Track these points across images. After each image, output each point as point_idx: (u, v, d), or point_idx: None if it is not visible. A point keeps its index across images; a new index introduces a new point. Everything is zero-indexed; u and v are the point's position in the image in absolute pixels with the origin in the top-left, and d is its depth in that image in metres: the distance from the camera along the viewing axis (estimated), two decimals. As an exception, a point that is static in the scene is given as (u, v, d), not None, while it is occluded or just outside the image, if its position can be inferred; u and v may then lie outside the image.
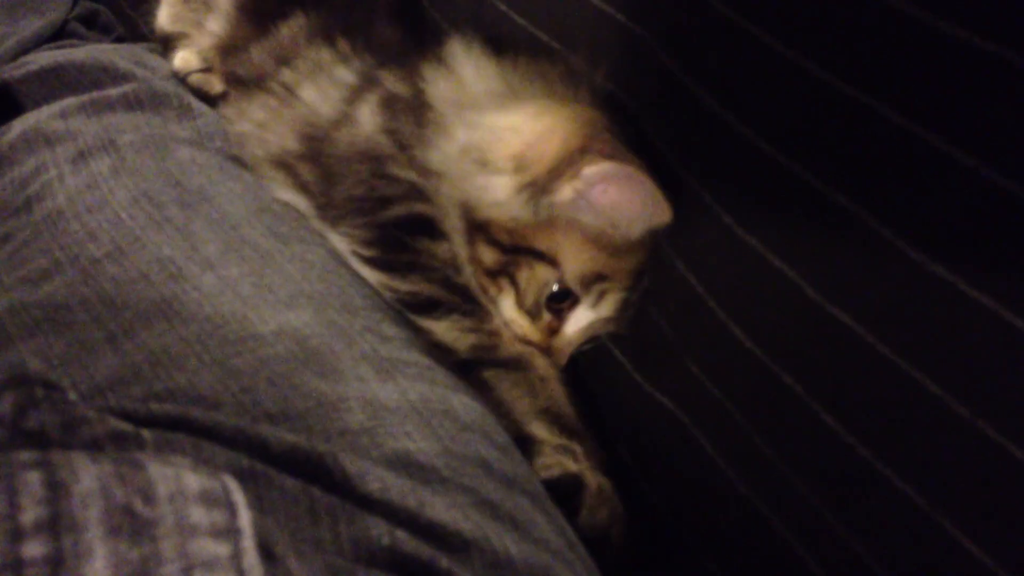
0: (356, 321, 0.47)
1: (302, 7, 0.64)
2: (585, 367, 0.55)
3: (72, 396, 0.38)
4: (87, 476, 0.29)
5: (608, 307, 0.51)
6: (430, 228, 0.51)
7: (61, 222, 0.53)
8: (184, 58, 0.69)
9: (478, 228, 0.50)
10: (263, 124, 0.59)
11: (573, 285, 0.50)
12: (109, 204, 0.53)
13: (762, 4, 0.39)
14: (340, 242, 0.53)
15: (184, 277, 0.47)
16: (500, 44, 0.56)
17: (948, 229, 0.33)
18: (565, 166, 0.47)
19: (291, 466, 0.35)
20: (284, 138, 0.57)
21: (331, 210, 0.54)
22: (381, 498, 0.35)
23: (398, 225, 0.51)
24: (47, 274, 0.49)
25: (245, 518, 0.28)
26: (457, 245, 0.51)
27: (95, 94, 0.64)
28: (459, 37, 0.56)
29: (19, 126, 0.63)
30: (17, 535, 0.27)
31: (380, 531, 0.33)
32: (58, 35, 0.83)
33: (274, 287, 0.48)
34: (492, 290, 0.51)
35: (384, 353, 0.45)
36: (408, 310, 0.51)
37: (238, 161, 0.59)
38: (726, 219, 0.43)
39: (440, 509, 0.36)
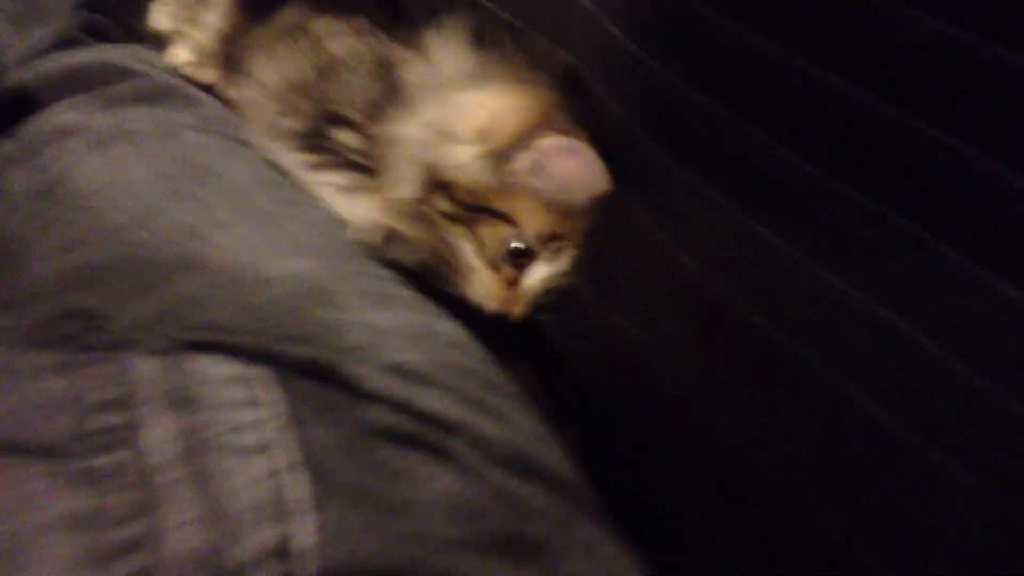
0: (353, 265, 0.55)
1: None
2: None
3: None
4: (142, 367, 0.37)
5: (563, 262, 0.59)
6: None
7: (86, 200, 0.60)
8: (178, 53, 0.77)
9: (440, 186, 0.58)
10: (282, 60, 0.68)
11: (531, 243, 0.58)
12: (128, 182, 0.60)
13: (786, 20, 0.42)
14: None
15: (201, 236, 0.54)
16: (476, 30, 0.63)
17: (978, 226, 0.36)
18: (524, 138, 0.55)
19: (303, 372, 0.42)
20: (303, 69, 0.67)
21: None
22: (380, 394, 0.43)
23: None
24: (79, 243, 0.56)
25: (272, 393, 0.36)
26: (403, 191, 0.60)
27: (105, 90, 0.72)
28: (438, 25, 0.64)
29: (37, 121, 0.70)
30: (86, 411, 0.35)
31: (379, 416, 0.41)
32: (63, 43, 0.90)
33: (280, 241, 0.56)
34: (450, 232, 0.59)
35: (378, 289, 0.54)
36: None
37: (239, 141, 0.67)
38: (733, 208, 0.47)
39: (430, 401, 0.44)
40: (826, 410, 0.42)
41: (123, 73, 0.75)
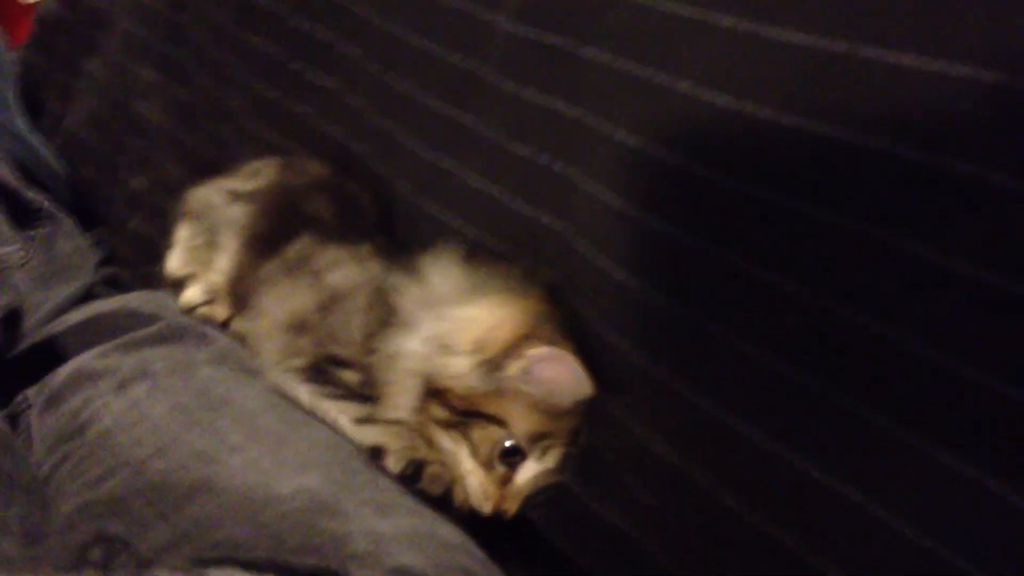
0: (356, 479, 0.59)
1: (306, 230, 0.76)
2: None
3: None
4: None
5: (552, 460, 0.62)
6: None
7: (110, 437, 0.65)
8: (192, 294, 0.83)
9: (435, 394, 0.62)
10: (287, 296, 0.72)
11: (521, 442, 0.62)
12: (149, 418, 0.65)
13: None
14: None
15: (216, 461, 0.58)
16: (467, 252, 0.69)
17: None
18: (514, 348, 0.60)
19: None
20: (304, 305, 0.71)
21: None
22: None
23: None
24: (104, 478, 0.61)
25: None
26: (402, 408, 0.64)
27: (127, 336, 0.78)
28: (432, 250, 0.70)
29: (66, 370, 0.76)
30: None
31: None
32: (86, 297, 0.98)
33: (288, 460, 0.60)
34: (445, 440, 0.62)
35: (380, 498, 0.57)
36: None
37: (250, 372, 0.72)
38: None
39: None
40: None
41: (144, 319, 0.82)
